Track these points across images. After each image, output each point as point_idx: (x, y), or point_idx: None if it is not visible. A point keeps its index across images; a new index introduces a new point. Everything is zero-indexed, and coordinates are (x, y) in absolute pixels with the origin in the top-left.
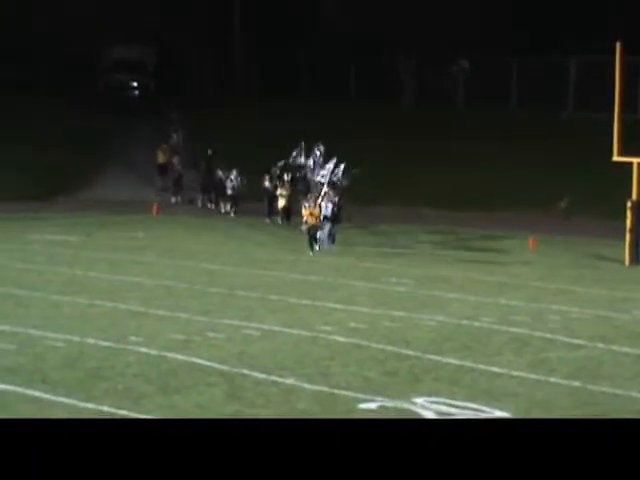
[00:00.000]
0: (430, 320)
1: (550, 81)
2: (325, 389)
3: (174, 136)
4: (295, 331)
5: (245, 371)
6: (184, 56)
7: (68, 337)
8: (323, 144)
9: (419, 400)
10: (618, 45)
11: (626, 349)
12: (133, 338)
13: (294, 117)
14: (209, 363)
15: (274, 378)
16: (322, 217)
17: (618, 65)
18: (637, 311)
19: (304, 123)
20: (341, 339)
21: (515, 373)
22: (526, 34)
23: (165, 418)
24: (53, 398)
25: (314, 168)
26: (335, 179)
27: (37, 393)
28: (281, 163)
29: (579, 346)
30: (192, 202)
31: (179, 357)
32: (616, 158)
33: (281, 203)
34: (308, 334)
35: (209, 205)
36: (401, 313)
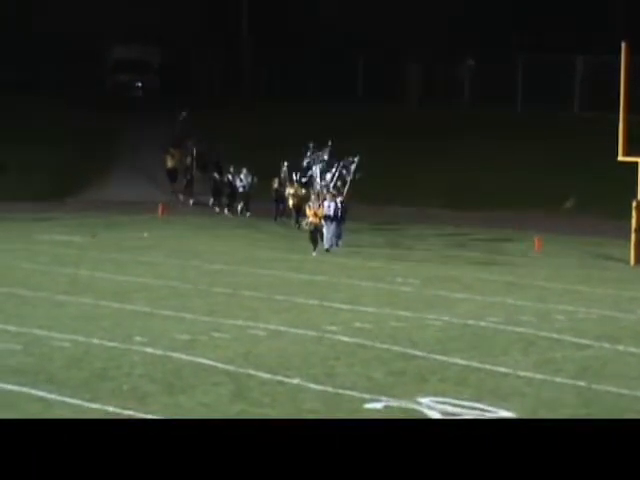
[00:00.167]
0: (436, 320)
1: (556, 81)
2: (331, 389)
3: (189, 144)
4: (301, 331)
5: (251, 371)
6: (190, 57)
7: (74, 337)
8: (327, 145)
9: (425, 400)
10: (623, 45)
11: (632, 349)
12: (138, 338)
13: (301, 118)
14: (214, 363)
15: (280, 378)
16: (324, 217)
17: (623, 65)
18: None
19: (310, 124)
20: (347, 339)
21: (521, 373)
22: (531, 34)
23: (170, 418)
24: (59, 398)
25: (320, 168)
26: (345, 172)
27: (43, 393)
28: (288, 163)
29: (585, 346)
30: (201, 204)
31: (184, 357)
32: (621, 158)
33: (292, 202)
34: (314, 334)
35: (217, 209)
36: (407, 313)
